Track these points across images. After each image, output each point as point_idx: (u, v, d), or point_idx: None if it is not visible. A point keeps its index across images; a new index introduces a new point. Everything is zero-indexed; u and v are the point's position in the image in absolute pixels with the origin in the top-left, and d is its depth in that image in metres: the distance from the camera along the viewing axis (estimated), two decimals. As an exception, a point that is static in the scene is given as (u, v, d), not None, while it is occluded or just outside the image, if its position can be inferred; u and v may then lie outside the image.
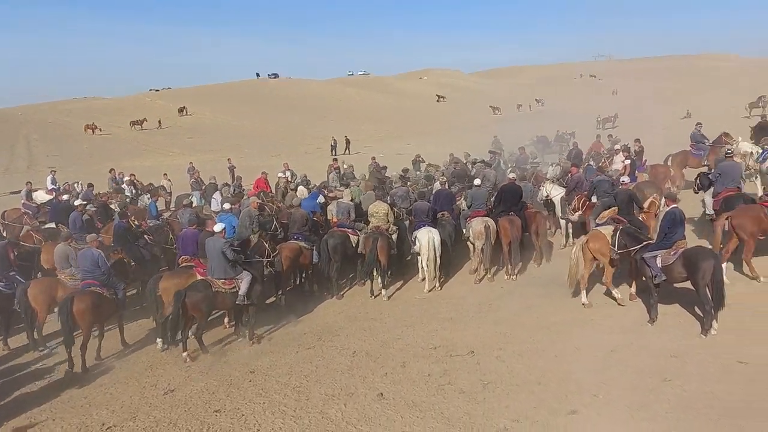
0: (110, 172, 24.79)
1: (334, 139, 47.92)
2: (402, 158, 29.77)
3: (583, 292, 12.05)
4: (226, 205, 16.74)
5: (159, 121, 66.96)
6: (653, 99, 65.98)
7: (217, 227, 12.13)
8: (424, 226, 14.43)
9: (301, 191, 18.74)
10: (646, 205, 13.97)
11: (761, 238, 12.06)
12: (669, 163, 19.59)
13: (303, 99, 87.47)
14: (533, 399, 8.64)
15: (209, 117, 70.90)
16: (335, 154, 42.79)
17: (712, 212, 13.73)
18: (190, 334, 11.62)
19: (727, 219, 12.18)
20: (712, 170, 15.03)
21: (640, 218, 13.35)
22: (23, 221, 16.72)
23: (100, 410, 9.46)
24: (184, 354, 11.39)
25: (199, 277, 12.03)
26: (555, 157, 25.02)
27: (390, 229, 14.56)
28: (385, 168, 24.00)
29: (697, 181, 14.85)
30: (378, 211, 14.55)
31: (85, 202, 16.79)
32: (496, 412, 8.39)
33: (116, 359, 11.75)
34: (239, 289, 11.64)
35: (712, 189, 14.12)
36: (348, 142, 48.71)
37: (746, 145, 17.44)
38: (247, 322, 12.20)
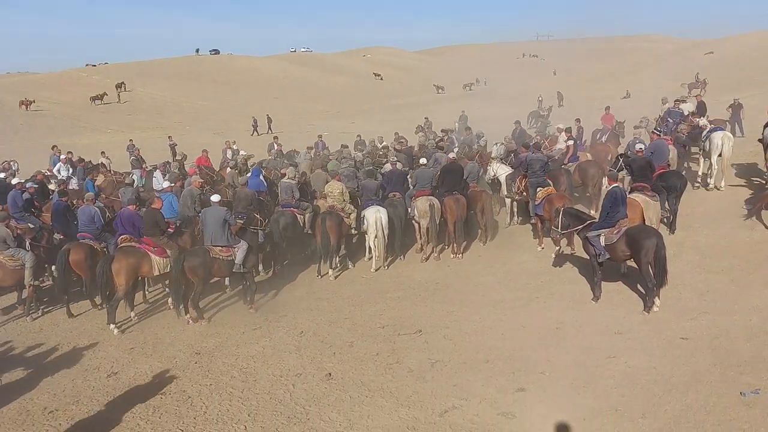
0: (53, 149, 23.55)
1: (255, 119, 47.32)
2: (346, 137, 29.49)
3: None
4: (166, 183, 16.30)
5: (119, 95, 65.55)
6: (593, 79, 67.39)
7: (215, 197, 12.39)
8: (372, 204, 14.35)
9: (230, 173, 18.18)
10: None
11: None
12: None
13: (245, 76, 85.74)
14: (481, 377, 8.74)
15: (148, 94, 68.74)
16: (257, 135, 42.32)
17: None
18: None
19: None
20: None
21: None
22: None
23: (41, 394, 9.08)
24: (186, 317, 11.79)
25: (152, 255, 11.98)
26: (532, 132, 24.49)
27: (347, 209, 14.37)
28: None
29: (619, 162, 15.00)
30: (333, 190, 14.35)
31: (23, 181, 15.99)
32: (444, 391, 8.45)
33: (58, 342, 11.28)
34: (235, 257, 11.95)
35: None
36: (270, 120, 48.14)
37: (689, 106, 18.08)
38: (248, 289, 12.52)
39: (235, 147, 25.21)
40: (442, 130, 24.37)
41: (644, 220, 12.16)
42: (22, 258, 12.05)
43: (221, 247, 11.84)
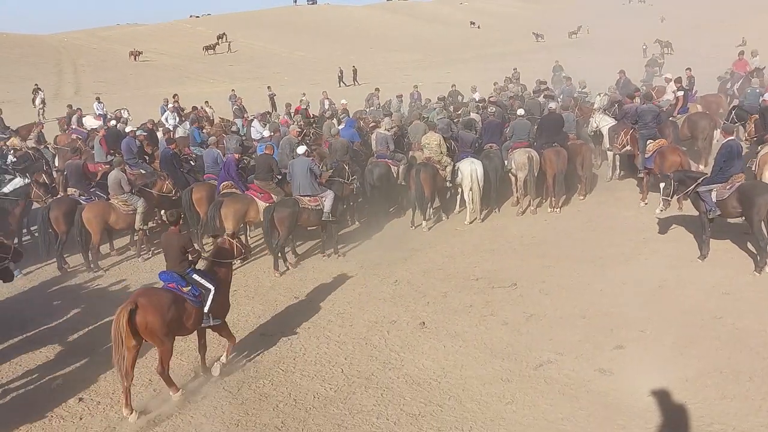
0: (174, 97, 24.40)
1: (341, 69, 46.63)
2: (441, 87, 29.04)
3: None
4: (267, 132, 16.71)
5: (229, 45, 67.62)
6: (705, 26, 62.88)
7: (301, 149, 12.63)
8: (467, 156, 14.17)
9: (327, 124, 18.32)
10: None
11: None
12: None
13: (342, 26, 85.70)
14: (578, 333, 8.62)
15: (248, 44, 70.10)
16: (343, 85, 42.05)
17: None
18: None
19: None
20: None
21: None
22: (76, 146, 16.80)
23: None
24: (277, 272, 11.95)
25: (258, 202, 12.50)
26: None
27: (443, 161, 14.21)
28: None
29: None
30: (430, 142, 14.17)
31: (135, 129, 16.80)
32: (539, 345, 8.41)
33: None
34: (323, 206, 12.24)
35: None
36: (355, 71, 47.28)
37: None
38: (331, 238, 12.83)
39: (330, 98, 25.39)
40: (537, 81, 23.48)
41: None
42: (134, 203, 12.70)
43: (309, 197, 12.11)
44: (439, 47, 72.69)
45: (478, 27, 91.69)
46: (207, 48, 65.77)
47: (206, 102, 26.19)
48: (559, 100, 18.99)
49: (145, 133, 16.92)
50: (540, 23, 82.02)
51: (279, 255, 12.19)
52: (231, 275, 8.69)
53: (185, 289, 7.75)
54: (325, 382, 7.93)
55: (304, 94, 24.89)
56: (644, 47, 46.45)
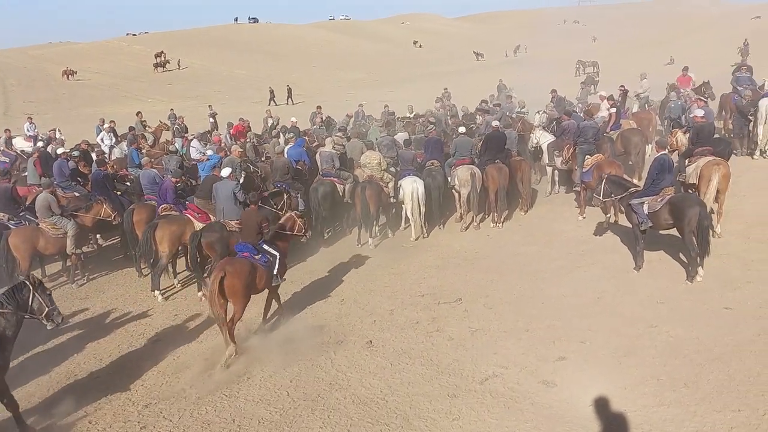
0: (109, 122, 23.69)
1: (271, 89, 46.21)
2: (387, 106, 29.23)
3: None
4: (209, 151, 16.48)
5: (178, 62, 66.46)
6: (635, 45, 65.38)
7: (225, 171, 12.15)
8: (409, 175, 14.31)
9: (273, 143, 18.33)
10: None
11: None
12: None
13: (284, 44, 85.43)
14: (521, 346, 8.76)
15: (188, 63, 69.11)
16: (274, 104, 41.40)
17: None
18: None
19: None
20: None
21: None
22: (5, 169, 16.18)
23: (87, 359, 9.44)
24: (200, 294, 11.65)
25: (195, 222, 12.17)
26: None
27: (384, 178, 14.36)
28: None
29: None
30: (371, 161, 14.34)
31: (68, 150, 16.30)
32: (484, 359, 8.50)
33: (104, 308, 11.60)
34: None
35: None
36: (290, 90, 47.12)
37: None
38: None
39: (274, 116, 25.21)
40: (482, 101, 23.92)
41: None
42: (64, 226, 12.17)
43: (236, 220, 11.44)
44: (383, 66, 73.44)
45: (420, 46, 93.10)
46: (157, 65, 64.82)
47: (144, 121, 25.50)
48: (499, 119, 19.43)
49: (77, 155, 16.40)
50: (481, 43, 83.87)
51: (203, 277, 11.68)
52: (288, 247, 10.53)
53: (257, 257, 9.60)
54: (270, 406, 7.80)
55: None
56: (578, 66, 48.17)
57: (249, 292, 9.24)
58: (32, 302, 7.54)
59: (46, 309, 7.64)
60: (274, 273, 9.71)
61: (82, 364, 9.31)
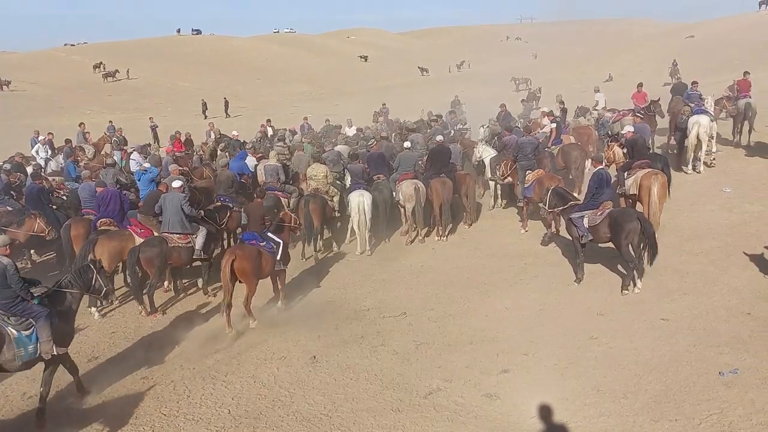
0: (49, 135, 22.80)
1: (204, 102, 45.66)
2: (330, 119, 29.24)
3: None
4: (147, 164, 16.06)
5: (127, 71, 65.08)
6: (575, 62, 67.34)
7: (176, 183, 11.78)
8: (358, 188, 14.26)
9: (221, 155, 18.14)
10: None
11: None
12: None
13: (227, 57, 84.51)
14: (465, 359, 8.81)
15: (129, 74, 67.55)
16: (204, 118, 39.98)
17: None
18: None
19: None
20: None
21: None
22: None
23: (21, 379, 9.00)
24: (140, 308, 11.42)
25: (137, 238, 11.74)
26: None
27: (330, 192, 14.30)
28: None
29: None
30: (317, 173, 14.26)
31: (1, 163, 15.64)
32: (428, 372, 8.51)
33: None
34: (195, 244, 11.65)
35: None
36: (227, 103, 46.74)
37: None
38: (203, 276, 12.43)
39: (216, 129, 24.83)
40: (431, 119, 24.10)
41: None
42: None
43: (179, 234, 11.42)
44: (328, 80, 73.45)
45: (366, 60, 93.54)
46: (106, 76, 63.52)
47: (81, 123, 24.69)
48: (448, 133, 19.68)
49: (10, 168, 15.77)
50: (425, 58, 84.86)
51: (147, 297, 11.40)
52: (289, 237, 11.95)
53: (262, 244, 10.79)
54: (210, 425, 7.58)
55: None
56: (517, 82, 49.25)
57: (258, 273, 10.46)
58: (95, 282, 8.55)
59: (104, 289, 8.68)
60: (278, 259, 10.91)
61: (14, 385, 8.87)
